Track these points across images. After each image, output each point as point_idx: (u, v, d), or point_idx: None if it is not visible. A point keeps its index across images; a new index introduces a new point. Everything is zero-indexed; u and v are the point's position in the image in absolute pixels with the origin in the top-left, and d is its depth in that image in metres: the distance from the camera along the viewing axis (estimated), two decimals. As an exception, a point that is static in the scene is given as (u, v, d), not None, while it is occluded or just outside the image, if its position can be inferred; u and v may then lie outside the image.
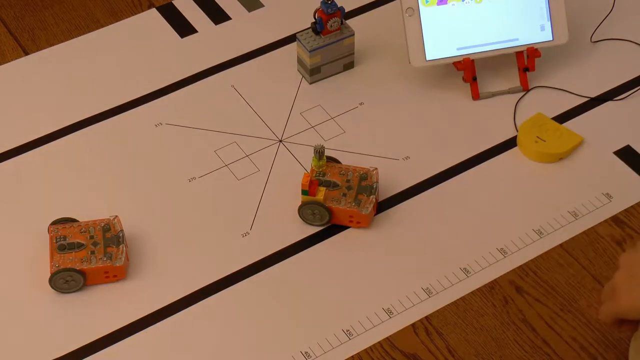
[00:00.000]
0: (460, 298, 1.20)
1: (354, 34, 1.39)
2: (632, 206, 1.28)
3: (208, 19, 1.50)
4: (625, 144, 1.34)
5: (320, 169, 1.26)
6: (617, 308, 1.02)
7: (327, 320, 1.18)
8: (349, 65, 1.42)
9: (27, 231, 1.25)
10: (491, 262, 1.23)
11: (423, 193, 1.29)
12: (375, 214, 1.26)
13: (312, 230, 1.25)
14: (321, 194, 1.23)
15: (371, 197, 1.23)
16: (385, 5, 1.51)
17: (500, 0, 1.37)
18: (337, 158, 1.31)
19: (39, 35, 1.48)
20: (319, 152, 1.25)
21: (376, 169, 1.26)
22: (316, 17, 1.37)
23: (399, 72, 1.42)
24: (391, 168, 1.32)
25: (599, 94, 1.40)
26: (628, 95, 1.39)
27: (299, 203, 1.26)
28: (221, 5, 1.52)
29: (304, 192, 1.23)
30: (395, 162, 1.32)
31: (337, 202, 1.23)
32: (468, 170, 1.32)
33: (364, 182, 1.25)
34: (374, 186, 1.24)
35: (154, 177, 1.31)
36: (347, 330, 1.17)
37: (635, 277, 1.00)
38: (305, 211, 1.24)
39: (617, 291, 1.02)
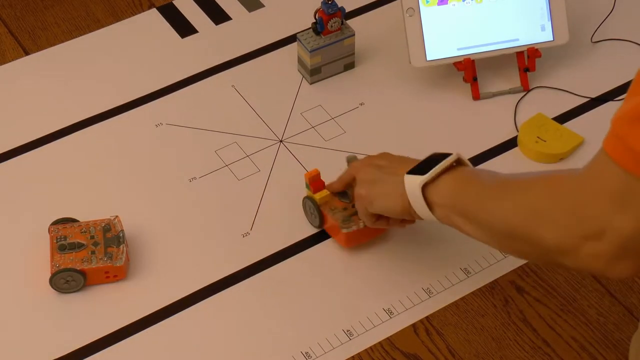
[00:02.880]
0: (461, 298, 1.20)
1: (354, 34, 1.39)
2: (632, 206, 1.28)
3: (208, 19, 1.50)
4: (626, 144, 1.34)
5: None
6: (371, 210, 1.16)
7: (327, 320, 1.18)
8: (350, 66, 1.42)
9: (27, 231, 1.25)
10: (492, 262, 1.23)
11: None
12: None
13: (313, 230, 1.25)
14: (320, 195, 1.22)
15: None
16: (385, 6, 1.51)
17: (500, 1, 1.37)
18: (336, 159, 1.31)
19: (39, 35, 1.48)
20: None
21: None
22: (317, 17, 1.37)
23: (399, 72, 1.42)
24: (391, 168, 1.32)
25: (599, 94, 1.40)
26: (628, 96, 1.39)
27: (299, 203, 1.26)
28: (221, 6, 1.52)
29: (307, 186, 1.23)
30: (395, 162, 1.32)
31: (332, 212, 1.22)
32: (468, 171, 1.32)
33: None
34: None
35: (154, 177, 1.31)
36: (348, 331, 1.17)
37: (375, 184, 1.15)
38: (305, 205, 1.25)
39: (364, 198, 1.16)
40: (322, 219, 1.23)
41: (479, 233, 1.05)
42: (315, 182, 1.23)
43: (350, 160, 1.23)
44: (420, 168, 1.10)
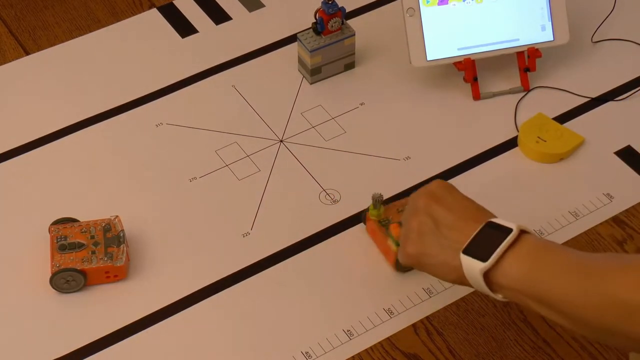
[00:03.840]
0: (461, 298, 1.20)
1: (354, 34, 1.39)
2: (632, 206, 1.28)
3: (209, 19, 1.50)
4: (626, 144, 1.34)
5: (379, 217, 1.22)
6: (419, 269, 1.09)
7: (327, 320, 1.18)
8: (350, 66, 1.42)
9: (27, 231, 1.25)
10: (492, 262, 1.23)
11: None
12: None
13: (313, 230, 1.25)
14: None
15: None
16: (386, 5, 1.51)
17: (501, 1, 1.37)
18: (336, 159, 1.31)
19: (39, 35, 1.48)
20: (377, 201, 1.20)
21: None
22: (317, 17, 1.37)
23: (399, 72, 1.42)
24: (391, 168, 1.32)
25: (599, 94, 1.40)
26: (629, 96, 1.39)
27: (299, 203, 1.26)
28: (222, 5, 1.52)
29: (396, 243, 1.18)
30: (395, 162, 1.32)
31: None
32: (469, 170, 1.32)
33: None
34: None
35: (154, 177, 1.31)
36: (348, 330, 1.17)
37: (426, 246, 1.06)
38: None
39: (412, 257, 1.08)
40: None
41: (564, 323, 0.97)
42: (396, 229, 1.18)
43: (377, 198, 1.19)
44: (478, 245, 1.01)
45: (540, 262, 0.98)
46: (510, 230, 1.00)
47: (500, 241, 1.00)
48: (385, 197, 1.23)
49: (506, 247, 0.99)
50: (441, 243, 1.04)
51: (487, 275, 1.00)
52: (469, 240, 1.02)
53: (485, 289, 1.01)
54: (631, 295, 0.90)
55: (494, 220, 1.02)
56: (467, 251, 1.01)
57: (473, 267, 1.00)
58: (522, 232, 1.01)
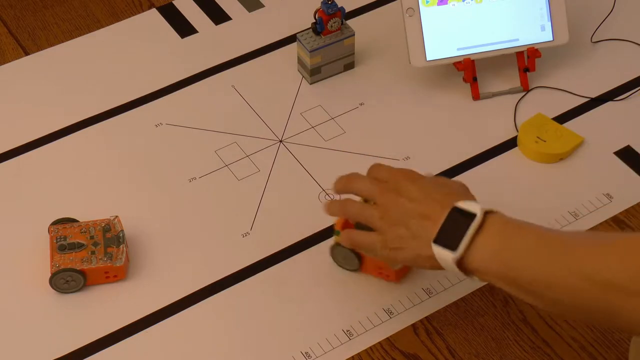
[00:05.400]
0: (461, 298, 1.20)
1: (354, 34, 1.39)
2: (632, 206, 1.28)
3: (208, 19, 1.50)
4: (626, 144, 1.34)
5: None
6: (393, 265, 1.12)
7: (327, 321, 1.18)
8: (350, 66, 1.42)
9: (27, 231, 1.25)
10: (491, 262, 1.23)
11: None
12: None
13: (313, 230, 1.25)
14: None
15: None
16: (385, 6, 1.51)
17: (500, 1, 1.37)
18: (336, 159, 1.31)
19: (39, 35, 1.48)
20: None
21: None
22: (316, 17, 1.37)
23: (399, 72, 1.42)
24: (391, 168, 1.32)
25: (599, 94, 1.40)
26: (628, 96, 1.40)
27: (299, 203, 1.26)
28: (221, 6, 1.52)
29: (336, 233, 1.18)
30: (395, 162, 1.32)
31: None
32: (468, 171, 1.32)
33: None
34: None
35: (154, 177, 1.31)
36: (348, 331, 1.17)
37: (398, 236, 1.05)
38: (337, 253, 1.20)
39: (382, 244, 1.07)
40: (360, 262, 1.19)
41: (538, 303, 0.99)
42: (347, 226, 1.17)
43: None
44: (447, 234, 1.01)
45: (510, 246, 0.99)
46: (475, 215, 1.01)
47: (466, 228, 1.00)
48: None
49: (473, 233, 1.00)
50: (412, 234, 1.05)
51: (460, 262, 1.01)
52: (437, 230, 1.02)
53: (461, 275, 1.02)
54: (611, 275, 0.90)
55: (458, 205, 1.02)
56: (438, 241, 1.02)
57: (445, 256, 1.01)
58: (489, 213, 1.01)
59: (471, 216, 1.01)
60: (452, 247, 1.01)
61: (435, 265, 1.04)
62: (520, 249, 0.99)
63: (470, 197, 1.08)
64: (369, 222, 1.09)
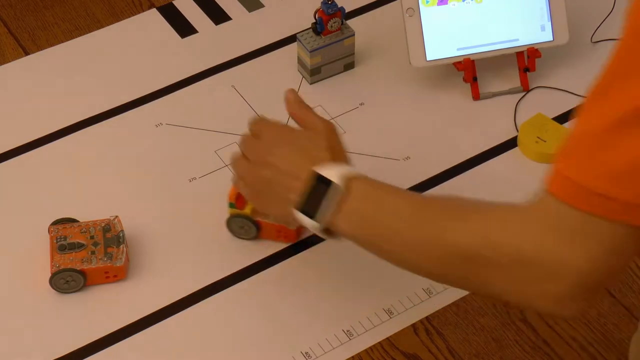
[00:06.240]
0: (461, 298, 1.20)
1: (354, 34, 1.39)
2: (632, 206, 1.28)
3: (208, 19, 1.50)
4: (626, 144, 1.34)
5: None
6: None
7: (327, 321, 1.18)
8: (350, 66, 1.42)
9: (27, 231, 1.25)
10: (491, 262, 1.23)
11: (423, 193, 1.29)
12: None
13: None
14: (249, 207, 1.21)
15: None
16: (385, 6, 1.51)
17: (500, 1, 1.37)
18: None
19: (39, 35, 1.48)
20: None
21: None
22: (316, 17, 1.37)
23: (399, 72, 1.42)
24: (391, 168, 1.32)
25: (599, 94, 1.40)
26: (628, 96, 1.39)
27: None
28: (221, 6, 1.52)
29: (231, 205, 1.21)
30: (395, 162, 1.32)
31: (266, 216, 1.18)
32: (468, 171, 1.32)
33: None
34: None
35: (154, 177, 1.31)
36: (348, 331, 1.17)
37: (265, 203, 1.09)
38: (234, 224, 1.23)
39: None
40: (258, 230, 1.22)
41: (407, 269, 1.00)
42: (239, 198, 1.21)
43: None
44: (309, 201, 1.03)
45: (372, 215, 1.00)
46: (332, 182, 1.01)
47: (326, 197, 1.01)
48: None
49: (333, 203, 1.01)
50: (278, 197, 1.06)
51: (325, 229, 1.03)
52: (300, 198, 1.03)
53: (329, 238, 1.04)
54: (474, 246, 0.90)
55: (319, 171, 1.03)
56: (301, 208, 1.03)
57: (309, 224, 1.03)
58: (353, 179, 1.02)
59: (332, 185, 1.01)
60: (314, 216, 1.02)
61: (303, 225, 1.05)
62: (384, 222, 0.99)
63: (338, 156, 1.07)
64: (240, 191, 1.12)
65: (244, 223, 1.22)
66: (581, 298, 0.87)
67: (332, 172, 1.02)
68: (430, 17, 1.36)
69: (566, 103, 1.39)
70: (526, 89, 1.40)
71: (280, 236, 1.22)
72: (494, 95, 1.39)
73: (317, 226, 1.03)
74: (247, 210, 1.21)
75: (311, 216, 1.03)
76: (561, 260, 0.85)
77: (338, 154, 1.07)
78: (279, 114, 1.38)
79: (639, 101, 0.81)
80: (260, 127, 1.12)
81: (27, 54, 1.46)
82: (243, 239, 1.24)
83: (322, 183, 1.02)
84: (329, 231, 1.04)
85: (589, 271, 0.84)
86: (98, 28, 1.49)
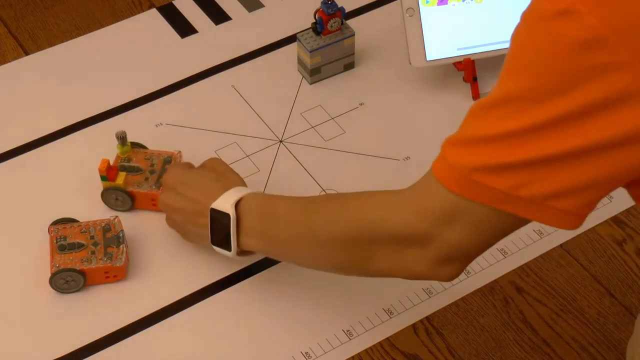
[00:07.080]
0: (461, 298, 1.20)
1: (354, 34, 1.39)
2: (632, 206, 1.28)
3: (208, 19, 1.50)
4: (626, 144, 1.34)
5: (125, 155, 1.28)
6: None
7: (327, 321, 1.18)
8: (350, 66, 1.42)
9: (27, 231, 1.25)
10: (491, 263, 1.23)
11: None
12: None
13: (313, 230, 1.25)
14: (121, 178, 1.24)
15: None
16: (385, 6, 1.51)
17: (500, 1, 1.37)
18: (336, 159, 1.31)
19: (39, 35, 1.48)
20: (122, 138, 1.27)
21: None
22: (316, 17, 1.37)
23: (399, 72, 1.42)
24: (391, 168, 1.32)
25: (599, 94, 1.40)
26: (628, 96, 1.39)
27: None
28: (221, 6, 1.52)
29: (103, 178, 1.24)
30: (395, 162, 1.32)
31: (139, 186, 1.25)
32: (468, 171, 1.31)
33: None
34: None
35: (154, 177, 1.31)
36: (348, 331, 1.17)
37: (182, 221, 1.19)
38: (108, 197, 1.25)
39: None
40: (133, 200, 1.25)
41: (306, 265, 1.12)
42: (110, 171, 1.24)
43: (120, 136, 1.26)
44: (217, 235, 1.13)
45: (268, 224, 1.10)
46: (228, 214, 1.11)
47: (228, 228, 1.11)
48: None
49: (235, 231, 1.11)
50: (198, 234, 1.17)
51: (240, 252, 1.14)
52: (210, 233, 1.14)
53: (247, 256, 1.15)
54: (355, 226, 1.01)
55: (214, 207, 1.12)
56: (214, 242, 1.14)
57: (226, 253, 1.14)
58: (240, 201, 1.11)
59: (227, 216, 1.11)
60: (226, 247, 1.13)
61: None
62: (277, 238, 1.10)
63: (229, 182, 1.17)
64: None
65: (117, 194, 1.25)
66: (454, 265, 0.97)
67: (223, 203, 1.12)
68: (430, 17, 1.36)
69: (566, 103, 1.38)
70: (526, 89, 1.40)
71: (157, 206, 1.24)
72: (494, 95, 1.39)
73: (233, 254, 1.13)
74: (119, 181, 1.24)
75: (226, 248, 1.14)
76: (431, 235, 0.94)
77: (228, 180, 1.17)
78: (279, 113, 1.38)
79: (511, 92, 0.97)
80: (166, 178, 1.21)
81: (27, 54, 1.46)
82: (119, 210, 1.26)
83: (220, 215, 1.12)
84: (245, 252, 1.15)
85: (457, 244, 0.94)
86: (98, 28, 1.49)
